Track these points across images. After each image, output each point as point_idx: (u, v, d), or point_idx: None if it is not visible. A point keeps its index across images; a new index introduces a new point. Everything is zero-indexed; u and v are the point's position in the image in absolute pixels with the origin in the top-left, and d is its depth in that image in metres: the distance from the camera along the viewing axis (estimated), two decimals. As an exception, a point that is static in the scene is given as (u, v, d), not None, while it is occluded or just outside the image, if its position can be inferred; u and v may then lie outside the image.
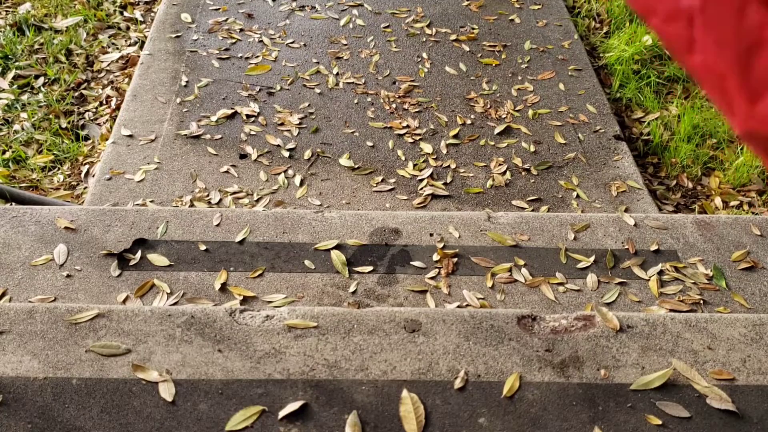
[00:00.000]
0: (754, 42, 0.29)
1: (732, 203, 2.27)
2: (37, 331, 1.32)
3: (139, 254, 1.68)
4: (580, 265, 1.70)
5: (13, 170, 2.29)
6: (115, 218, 1.77)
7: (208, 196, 2.09)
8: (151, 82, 2.54)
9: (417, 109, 2.49)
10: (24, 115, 2.49)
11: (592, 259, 1.72)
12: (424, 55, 2.75)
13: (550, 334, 1.36)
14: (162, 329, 1.34)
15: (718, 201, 2.27)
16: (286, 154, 2.28)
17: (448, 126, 2.42)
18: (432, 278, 1.66)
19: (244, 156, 2.26)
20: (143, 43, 2.83)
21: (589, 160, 2.30)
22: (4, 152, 2.35)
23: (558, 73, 2.68)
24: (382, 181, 2.19)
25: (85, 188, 2.24)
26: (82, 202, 2.13)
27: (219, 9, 2.95)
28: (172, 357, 1.29)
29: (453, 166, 2.25)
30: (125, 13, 3.07)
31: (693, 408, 1.24)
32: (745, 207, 2.26)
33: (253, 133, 2.35)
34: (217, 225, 1.78)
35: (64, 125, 2.47)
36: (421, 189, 2.16)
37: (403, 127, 2.40)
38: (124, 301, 1.55)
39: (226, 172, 2.19)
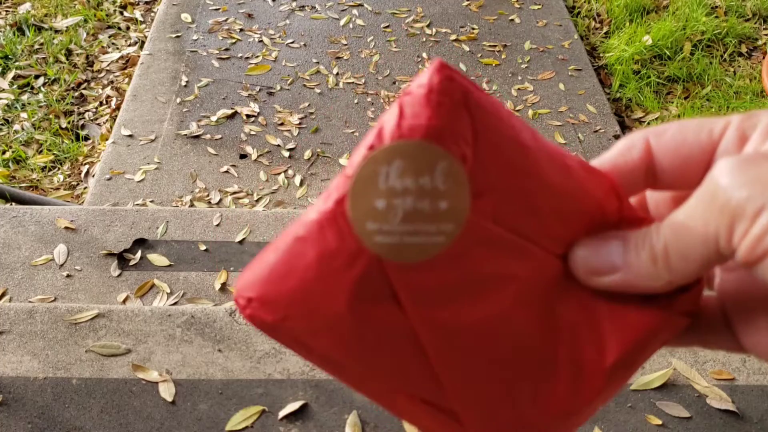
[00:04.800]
0: None
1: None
2: (37, 331, 1.32)
3: (139, 254, 1.68)
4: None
5: (13, 170, 2.29)
6: (115, 218, 1.77)
7: (208, 196, 2.09)
8: (151, 82, 2.54)
9: (417, 109, 2.48)
10: (24, 115, 2.49)
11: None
12: (424, 55, 2.75)
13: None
14: (162, 329, 1.34)
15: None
16: (286, 154, 2.28)
17: (448, 126, 2.42)
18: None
19: (244, 156, 2.26)
20: (143, 43, 2.83)
21: (589, 160, 2.30)
22: (4, 152, 2.35)
23: (558, 73, 2.68)
24: (382, 181, 2.19)
25: (85, 188, 2.24)
26: (82, 202, 2.13)
27: (219, 9, 2.95)
28: (172, 357, 1.29)
29: (453, 166, 2.25)
30: (125, 13, 3.07)
31: (693, 408, 1.24)
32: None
33: (253, 133, 2.35)
34: (217, 225, 1.78)
35: (64, 125, 2.47)
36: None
37: (403, 127, 2.40)
38: (124, 301, 1.55)
39: (226, 172, 2.19)
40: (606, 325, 0.24)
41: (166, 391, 1.23)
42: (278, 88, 2.54)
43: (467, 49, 2.80)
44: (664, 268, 0.22)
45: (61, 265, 1.64)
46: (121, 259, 1.66)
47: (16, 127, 2.45)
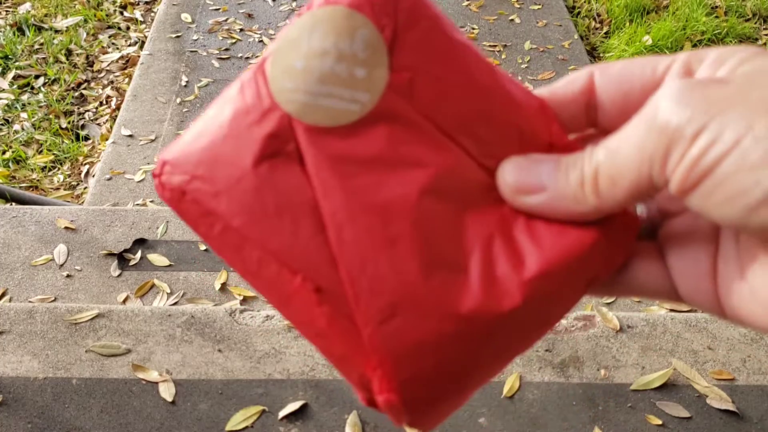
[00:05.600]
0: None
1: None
2: (37, 331, 1.32)
3: (139, 254, 1.68)
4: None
5: (13, 170, 2.29)
6: (115, 218, 1.77)
7: (208, 196, 2.09)
8: (151, 82, 2.54)
9: (417, 109, 2.48)
10: (24, 115, 2.49)
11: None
12: (424, 55, 2.75)
13: (550, 334, 1.36)
14: (162, 329, 1.34)
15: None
16: (286, 154, 2.27)
17: (448, 126, 2.42)
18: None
19: (244, 156, 2.26)
20: (143, 43, 2.83)
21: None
22: (4, 152, 2.35)
23: (558, 73, 2.68)
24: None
25: (85, 188, 2.24)
26: (82, 202, 2.13)
27: (219, 9, 2.95)
28: (172, 357, 1.29)
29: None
30: (125, 13, 3.07)
31: (693, 408, 1.24)
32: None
33: (253, 133, 2.35)
34: (217, 225, 1.78)
35: (64, 125, 2.47)
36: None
37: (403, 127, 2.40)
38: (124, 301, 1.55)
39: (226, 172, 2.19)
40: (525, 243, 0.22)
41: (166, 391, 1.23)
42: (278, 88, 2.54)
43: (467, 49, 2.80)
44: (591, 191, 0.21)
45: (61, 265, 1.64)
46: (121, 259, 1.66)
47: (16, 127, 2.45)
